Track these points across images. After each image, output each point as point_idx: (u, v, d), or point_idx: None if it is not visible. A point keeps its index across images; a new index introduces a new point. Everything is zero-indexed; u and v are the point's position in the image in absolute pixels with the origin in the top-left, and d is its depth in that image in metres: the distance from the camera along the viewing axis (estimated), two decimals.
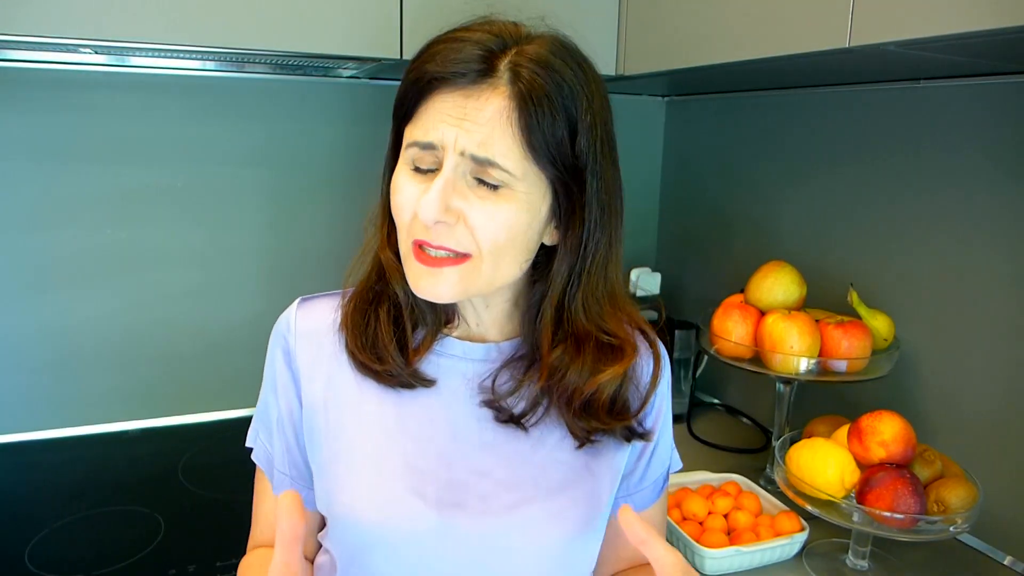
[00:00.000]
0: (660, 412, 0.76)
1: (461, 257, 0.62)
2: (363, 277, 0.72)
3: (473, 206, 0.61)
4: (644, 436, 0.73)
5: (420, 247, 0.63)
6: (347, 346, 0.70)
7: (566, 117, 0.61)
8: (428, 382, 0.70)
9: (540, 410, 0.70)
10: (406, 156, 0.64)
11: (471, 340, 0.72)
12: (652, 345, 0.75)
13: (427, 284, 0.63)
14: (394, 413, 0.69)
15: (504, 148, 0.60)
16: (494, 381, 0.70)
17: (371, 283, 0.71)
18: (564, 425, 0.70)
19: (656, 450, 0.77)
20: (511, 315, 0.72)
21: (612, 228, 0.67)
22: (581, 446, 0.70)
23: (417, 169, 0.63)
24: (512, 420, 0.69)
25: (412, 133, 0.63)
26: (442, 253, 0.62)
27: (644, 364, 0.74)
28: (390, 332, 0.69)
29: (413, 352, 0.69)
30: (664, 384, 0.76)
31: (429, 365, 0.71)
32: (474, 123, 0.59)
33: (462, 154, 0.60)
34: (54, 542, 1.01)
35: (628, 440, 0.72)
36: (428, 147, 0.61)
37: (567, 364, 0.68)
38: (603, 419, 0.69)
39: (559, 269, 0.67)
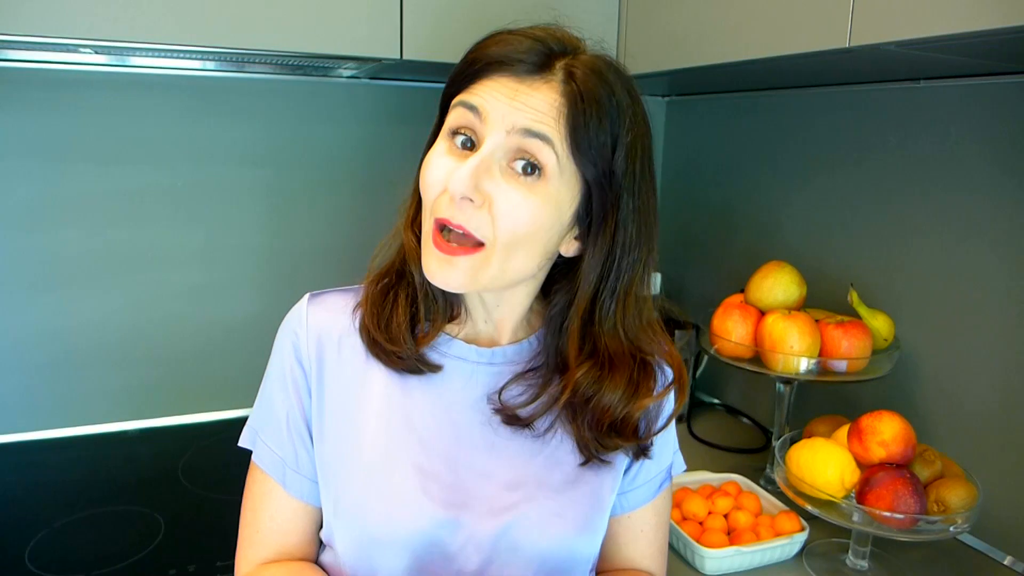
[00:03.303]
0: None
1: (475, 247, 0.63)
2: (389, 259, 0.73)
3: (502, 191, 0.61)
4: (647, 452, 0.73)
5: (440, 230, 0.63)
6: (362, 323, 0.70)
7: (610, 127, 0.63)
8: (435, 367, 0.70)
9: (550, 418, 0.70)
10: (448, 123, 0.64)
11: (477, 343, 0.72)
12: (674, 368, 0.74)
13: (440, 271, 0.64)
14: (400, 414, 0.70)
15: (553, 138, 0.61)
16: (504, 391, 0.70)
17: (395, 265, 0.72)
18: (570, 432, 0.71)
19: (651, 449, 0.76)
20: (524, 319, 0.73)
21: (648, 250, 0.68)
22: (586, 463, 0.70)
23: (454, 139, 0.64)
24: (519, 422, 0.70)
25: (461, 96, 0.63)
26: (459, 233, 0.62)
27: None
28: (406, 314, 0.70)
29: (422, 338, 0.70)
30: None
31: (435, 361, 0.71)
32: (525, 104, 0.61)
33: (509, 131, 0.61)
34: (54, 542, 1.01)
35: (637, 458, 0.73)
36: (473, 110, 0.62)
37: (599, 383, 0.68)
38: (630, 438, 0.69)
39: (587, 279, 0.67)
